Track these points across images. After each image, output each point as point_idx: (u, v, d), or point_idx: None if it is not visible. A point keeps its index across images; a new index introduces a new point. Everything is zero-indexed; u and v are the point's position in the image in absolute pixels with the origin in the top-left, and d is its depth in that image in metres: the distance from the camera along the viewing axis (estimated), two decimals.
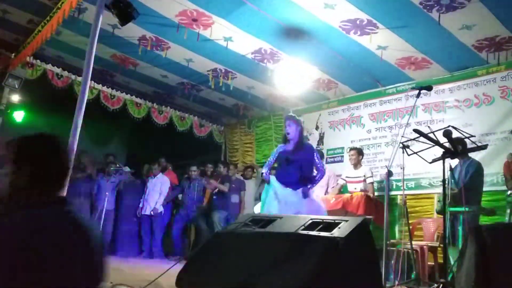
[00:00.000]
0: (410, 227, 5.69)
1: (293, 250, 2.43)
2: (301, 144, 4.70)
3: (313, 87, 7.70)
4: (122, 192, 7.92)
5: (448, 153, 3.35)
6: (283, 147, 4.83)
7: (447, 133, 3.31)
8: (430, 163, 3.72)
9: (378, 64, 6.43)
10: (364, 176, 6.35)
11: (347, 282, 2.28)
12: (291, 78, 6.79)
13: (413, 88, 4.24)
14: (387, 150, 7.17)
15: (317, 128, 8.44)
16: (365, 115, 7.72)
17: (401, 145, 3.96)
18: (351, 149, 6.52)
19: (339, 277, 2.27)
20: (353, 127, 7.87)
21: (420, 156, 3.79)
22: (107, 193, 7.13)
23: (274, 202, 4.45)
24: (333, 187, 6.67)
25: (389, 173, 3.79)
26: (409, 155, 3.94)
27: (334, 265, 2.28)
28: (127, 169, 8.13)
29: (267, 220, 2.90)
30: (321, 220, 2.71)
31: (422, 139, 3.38)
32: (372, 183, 6.36)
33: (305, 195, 4.60)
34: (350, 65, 6.67)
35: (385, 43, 5.94)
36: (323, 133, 8.32)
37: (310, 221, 2.71)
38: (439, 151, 3.51)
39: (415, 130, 3.43)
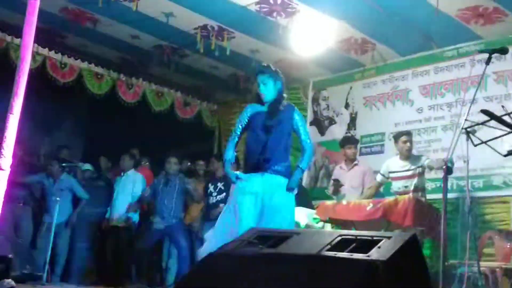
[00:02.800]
0: (478, 242, 5.69)
1: (315, 278, 2.38)
2: (279, 104, 4.62)
3: (341, 50, 7.69)
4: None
5: None
6: (256, 108, 4.74)
7: None
8: (505, 156, 3.74)
9: (433, 18, 6.41)
10: (421, 167, 6.23)
11: None
12: (311, 38, 6.88)
13: (481, 51, 4.25)
14: (445, 137, 7.16)
15: (347, 106, 8.45)
16: (414, 88, 7.70)
17: (464, 131, 3.93)
18: (403, 134, 6.46)
19: None
20: (397, 105, 7.85)
21: (490, 147, 3.80)
22: (58, 199, 7.18)
23: (254, 211, 4.37)
24: (369, 188, 6.69)
25: (448, 170, 3.73)
26: (475, 145, 3.95)
27: None
28: (86, 166, 8.20)
29: (279, 237, 2.89)
30: (354, 237, 2.70)
31: (493, 123, 3.38)
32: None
33: (292, 189, 4.54)
34: (393, 19, 6.67)
35: None
36: (356, 114, 8.34)
37: (339, 238, 2.67)
38: None
39: (484, 111, 3.44)
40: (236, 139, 4.77)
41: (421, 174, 6.26)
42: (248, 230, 3.20)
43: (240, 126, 4.76)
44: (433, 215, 5.74)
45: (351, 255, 2.52)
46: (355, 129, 8.28)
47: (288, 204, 4.53)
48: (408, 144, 6.32)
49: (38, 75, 7.80)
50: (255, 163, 4.54)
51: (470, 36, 7.02)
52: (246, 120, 4.73)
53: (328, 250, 2.62)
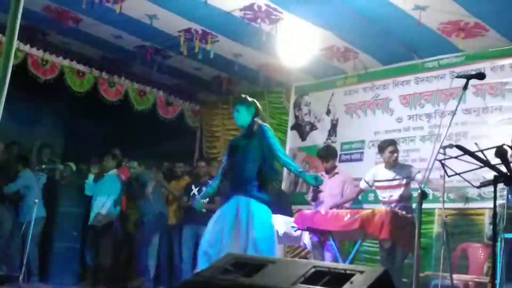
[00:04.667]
0: (451, 254, 5.74)
1: None
2: (253, 126, 4.91)
3: (324, 57, 7.73)
4: (59, 197, 8.06)
5: (502, 177, 3.44)
6: (235, 138, 5.21)
7: (501, 153, 3.39)
8: (478, 187, 3.82)
9: (415, 30, 6.48)
10: (408, 177, 6.25)
11: None
12: (294, 45, 6.89)
13: (458, 77, 4.26)
14: (423, 147, 7.22)
15: (328, 112, 8.48)
16: (394, 97, 7.74)
17: (440, 156, 4.01)
18: (389, 143, 6.44)
19: None
20: (377, 113, 7.90)
21: (464, 179, 3.89)
22: (36, 201, 7.13)
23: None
24: (351, 199, 6.82)
25: (423, 195, 3.82)
26: (449, 176, 4.04)
27: None
28: (70, 165, 8.25)
29: (255, 265, 2.93)
30: (327, 269, 2.74)
31: (467, 157, 3.46)
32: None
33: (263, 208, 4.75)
34: (376, 29, 6.72)
35: (425, 2, 5.98)
36: (337, 120, 8.37)
37: (313, 270, 2.74)
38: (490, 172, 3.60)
39: (458, 146, 3.52)
40: (221, 170, 5.11)
41: (407, 184, 6.27)
42: (225, 256, 3.24)
43: (224, 156, 5.16)
44: (408, 228, 5.78)
45: None
46: (335, 136, 8.31)
47: (263, 231, 4.66)
48: (395, 154, 6.36)
49: (19, 72, 7.61)
50: (231, 186, 4.88)
51: (451, 48, 7.06)
52: (229, 149, 5.09)
53: (302, 282, 2.66)
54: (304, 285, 2.65)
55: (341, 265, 2.98)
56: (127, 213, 8.25)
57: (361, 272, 2.65)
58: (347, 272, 2.67)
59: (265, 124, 4.98)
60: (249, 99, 5.02)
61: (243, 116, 4.93)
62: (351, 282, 2.57)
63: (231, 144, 5.15)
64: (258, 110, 4.99)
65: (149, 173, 8.29)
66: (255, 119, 4.92)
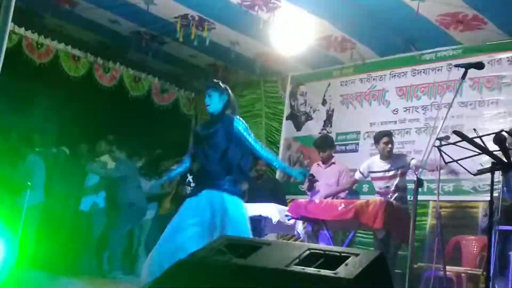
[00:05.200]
0: (445, 246, 5.77)
1: None
2: (222, 115, 4.59)
3: (321, 47, 7.73)
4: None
5: (499, 165, 3.42)
6: (201, 126, 4.89)
7: (499, 140, 3.37)
8: (475, 175, 3.81)
9: (413, 21, 6.51)
10: (403, 167, 6.23)
11: None
12: (291, 34, 6.85)
13: (457, 66, 4.29)
14: (418, 139, 7.25)
15: (324, 103, 8.49)
16: (391, 88, 7.75)
17: (437, 142, 4.07)
18: (384, 134, 6.39)
19: None
20: (373, 105, 7.91)
21: (461, 166, 3.85)
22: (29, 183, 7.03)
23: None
24: (346, 188, 6.76)
25: (419, 182, 3.81)
26: (446, 162, 4.05)
27: None
28: (63, 149, 8.17)
29: (249, 247, 2.86)
30: (322, 252, 2.68)
31: (464, 143, 3.44)
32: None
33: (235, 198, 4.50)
34: (374, 20, 6.75)
35: None
36: (332, 111, 8.37)
37: (308, 252, 2.68)
38: (488, 160, 3.63)
39: (456, 132, 3.50)
40: (189, 154, 4.85)
41: (402, 174, 6.25)
42: (218, 237, 3.20)
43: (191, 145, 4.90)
44: (403, 218, 5.70)
45: (319, 271, 2.52)
46: (331, 126, 8.31)
47: (237, 227, 4.39)
48: (389, 145, 6.30)
49: (13, 55, 7.55)
50: (200, 178, 4.68)
51: (449, 41, 7.09)
52: (194, 137, 4.88)
53: (297, 264, 2.61)
54: (298, 266, 2.60)
55: (336, 248, 2.90)
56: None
57: (356, 254, 2.60)
58: (342, 254, 2.63)
59: (237, 117, 4.62)
60: (222, 85, 4.66)
61: (214, 104, 4.56)
62: (346, 264, 2.53)
63: (196, 132, 4.85)
64: (230, 100, 4.63)
65: (127, 162, 8.09)
66: (226, 111, 4.59)
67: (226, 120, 4.55)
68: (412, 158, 6.26)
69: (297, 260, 2.65)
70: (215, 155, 4.48)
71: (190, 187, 7.37)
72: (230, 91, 4.67)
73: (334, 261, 2.59)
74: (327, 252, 2.70)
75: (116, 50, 8.83)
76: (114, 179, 7.82)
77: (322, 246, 3.11)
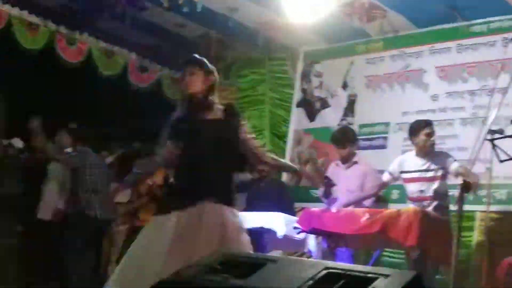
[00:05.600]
0: (495, 269, 5.45)
1: None
2: (212, 103, 4.38)
3: (342, 14, 7.13)
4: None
5: None
6: (181, 115, 4.48)
7: None
8: None
9: None
10: (444, 168, 5.87)
11: None
12: None
13: None
14: (464, 133, 6.78)
15: (345, 86, 7.92)
16: (430, 69, 7.23)
17: (489, 136, 4.11)
18: (425, 124, 6.02)
19: None
20: (407, 89, 7.39)
21: None
22: None
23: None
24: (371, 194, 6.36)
25: (466, 187, 3.78)
26: (501, 161, 4.03)
27: None
28: (15, 142, 7.75)
29: (250, 264, 2.82)
30: (342, 271, 2.62)
31: None
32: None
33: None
34: None
35: None
36: (355, 96, 7.83)
37: (325, 272, 2.61)
38: None
39: None
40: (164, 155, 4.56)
41: (443, 177, 5.91)
42: (212, 253, 3.13)
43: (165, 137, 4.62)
44: (442, 234, 5.49)
45: None
46: (353, 116, 7.83)
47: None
48: (432, 138, 5.98)
49: None
50: (192, 185, 4.38)
51: (505, 8, 6.55)
52: (175, 130, 4.45)
53: (311, 286, 2.57)
54: None
55: (359, 267, 2.74)
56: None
57: (386, 275, 2.54)
58: (368, 275, 2.57)
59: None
60: (209, 64, 4.38)
61: (200, 83, 4.27)
62: None
63: (177, 123, 4.34)
64: (215, 83, 4.35)
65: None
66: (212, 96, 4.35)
67: (229, 111, 4.49)
68: (455, 160, 5.88)
69: (311, 282, 2.62)
70: (223, 157, 4.45)
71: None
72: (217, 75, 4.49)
73: (358, 283, 2.54)
74: (348, 272, 2.67)
75: (83, 16, 8.19)
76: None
77: (342, 264, 2.88)
